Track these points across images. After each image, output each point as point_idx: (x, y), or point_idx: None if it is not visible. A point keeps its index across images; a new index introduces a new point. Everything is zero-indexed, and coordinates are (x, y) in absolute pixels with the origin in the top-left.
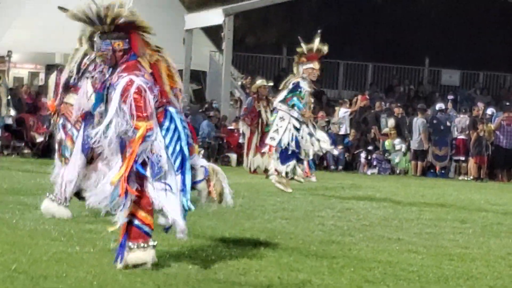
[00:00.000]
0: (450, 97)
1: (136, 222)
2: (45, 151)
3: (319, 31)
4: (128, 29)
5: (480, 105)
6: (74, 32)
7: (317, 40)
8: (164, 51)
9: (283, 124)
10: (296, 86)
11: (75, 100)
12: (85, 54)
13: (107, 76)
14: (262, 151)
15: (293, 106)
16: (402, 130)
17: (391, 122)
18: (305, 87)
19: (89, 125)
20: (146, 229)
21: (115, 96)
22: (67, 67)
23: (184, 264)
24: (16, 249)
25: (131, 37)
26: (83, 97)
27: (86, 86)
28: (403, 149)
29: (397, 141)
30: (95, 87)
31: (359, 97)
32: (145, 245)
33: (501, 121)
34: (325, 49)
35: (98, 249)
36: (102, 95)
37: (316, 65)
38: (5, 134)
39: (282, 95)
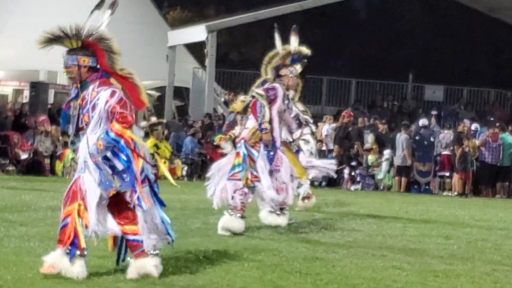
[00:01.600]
0: (434, 112)
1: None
2: (30, 168)
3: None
4: (95, 47)
5: (466, 121)
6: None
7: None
8: (131, 72)
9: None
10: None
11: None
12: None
13: (72, 95)
14: None
15: None
16: (386, 146)
17: (371, 137)
18: None
19: None
20: (139, 238)
21: (98, 108)
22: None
23: (168, 279)
24: (1, 267)
25: (98, 55)
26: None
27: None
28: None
29: (386, 151)
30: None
31: (345, 112)
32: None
33: (487, 137)
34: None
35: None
36: (68, 115)
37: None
38: None
39: None
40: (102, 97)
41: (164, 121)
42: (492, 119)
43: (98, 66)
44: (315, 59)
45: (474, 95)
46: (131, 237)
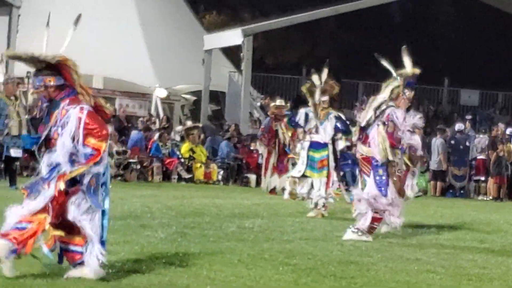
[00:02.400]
0: (468, 117)
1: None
2: None
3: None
4: (61, 66)
5: (501, 125)
6: (93, 54)
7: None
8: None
9: None
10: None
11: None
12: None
13: (38, 114)
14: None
15: None
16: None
17: None
18: None
19: None
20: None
21: (69, 126)
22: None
23: (202, 285)
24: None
25: (64, 74)
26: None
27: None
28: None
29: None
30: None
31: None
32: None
33: None
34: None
35: (116, 270)
36: (34, 137)
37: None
38: (24, 155)
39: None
40: (72, 115)
41: (200, 125)
42: None
43: (66, 83)
44: (350, 63)
45: (510, 100)
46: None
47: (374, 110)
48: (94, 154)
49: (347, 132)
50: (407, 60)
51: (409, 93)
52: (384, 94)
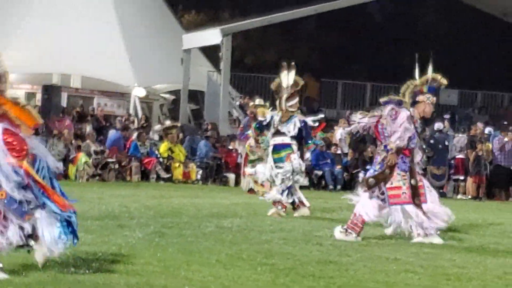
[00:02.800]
0: (447, 116)
1: None
2: None
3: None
4: None
5: (480, 125)
6: (71, 53)
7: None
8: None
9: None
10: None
11: None
12: None
13: None
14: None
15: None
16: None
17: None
18: None
19: None
20: None
21: None
22: None
23: (180, 285)
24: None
25: None
26: None
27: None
28: None
29: None
30: None
31: None
32: None
33: (504, 141)
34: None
35: (93, 270)
36: None
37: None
38: None
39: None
40: None
41: (179, 124)
42: (505, 123)
43: None
44: (329, 63)
45: (488, 99)
46: None
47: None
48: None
49: (307, 140)
50: (430, 67)
51: (432, 99)
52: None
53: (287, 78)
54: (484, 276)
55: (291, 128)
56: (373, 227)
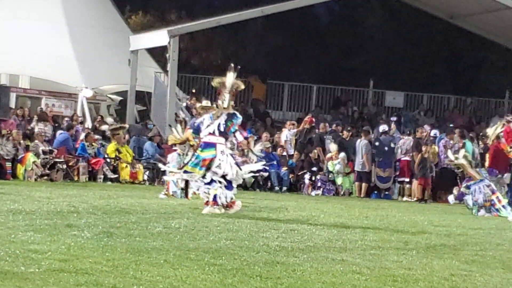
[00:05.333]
0: (393, 118)
1: None
2: None
3: (231, 64)
4: None
5: (426, 127)
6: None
7: (230, 75)
8: None
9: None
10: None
11: None
12: None
13: None
14: None
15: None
16: (347, 152)
17: (333, 146)
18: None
19: None
20: None
21: None
22: None
23: (128, 284)
24: None
25: None
26: None
27: None
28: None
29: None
30: None
31: (307, 118)
32: None
33: (448, 143)
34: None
35: (43, 269)
36: None
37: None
38: None
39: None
40: None
41: (126, 125)
42: (451, 125)
43: None
44: (276, 64)
45: (434, 102)
46: None
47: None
48: None
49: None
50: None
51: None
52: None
53: (227, 79)
54: (430, 277)
55: (220, 126)
56: (319, 229)
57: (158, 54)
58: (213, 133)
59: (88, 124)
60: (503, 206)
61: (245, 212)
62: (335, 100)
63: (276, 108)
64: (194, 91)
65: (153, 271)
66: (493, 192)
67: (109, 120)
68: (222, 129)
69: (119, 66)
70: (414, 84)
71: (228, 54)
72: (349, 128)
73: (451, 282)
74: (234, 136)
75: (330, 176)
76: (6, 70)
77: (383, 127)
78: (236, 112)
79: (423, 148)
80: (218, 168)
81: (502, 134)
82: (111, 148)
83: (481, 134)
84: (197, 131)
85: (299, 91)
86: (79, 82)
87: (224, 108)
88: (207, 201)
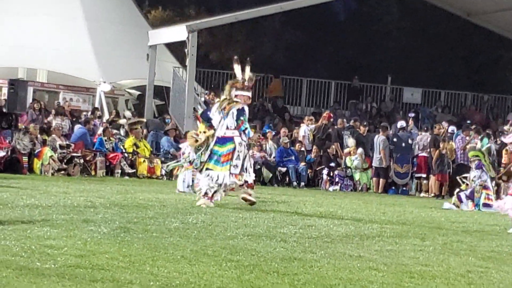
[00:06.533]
0: (411, 114)
1: None
2: (7, 166)
3: (248, 59)
4: None
5: (445, 124)
6: (37, 48)
7: (247, 69)
8: None
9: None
10: (242, 110)
11: None
12: None
13: None
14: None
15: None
16: (365, 147)
17: (351, 141)
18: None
19: None
20: None
21: None
22: None
23: (145, 280)
24: None
25: None
26: None
27: None
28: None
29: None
30: None
31: (326, 113)
32: None
33: (466, 141)
34: (254, 78)
35: (59, 265)
36: None
37: (249, 93)
38: None
39: (230, 121)
40: None
41: (144, 120)
42: (468, 122)
43: None
44: (294, 60)
45: (451, 98)
46: None
47: None
48: None
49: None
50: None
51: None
52: None
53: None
54: (447, 274)
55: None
56: (337, 225)
57: (176, 49)
58: (228, 128)
59: (106, 118)
60: (485, 204)
61: (262, 207)
62: (350, 89)
63: (294, 103)
64: (206, 97)
65: (169, 267)
66: (485, 188)
67: (127, 114)
68: (235, 124)
69: (137, 60)
70: (432, 80)
71: (246, 49)
72: (365, 123)
73: (468, 278)
74: (244, 134)
75: (348, 171)
76: (24, 64)
77: (401, 123)
78: (244, 106)
79: (441, 145)
80: (238, 160)
81: None
82: (128, 142)
83: (498, 130)
84: (208, 120)
85: (318, 86)
86: (97, 77)
87: (228, 99)
88: (206, 194)
